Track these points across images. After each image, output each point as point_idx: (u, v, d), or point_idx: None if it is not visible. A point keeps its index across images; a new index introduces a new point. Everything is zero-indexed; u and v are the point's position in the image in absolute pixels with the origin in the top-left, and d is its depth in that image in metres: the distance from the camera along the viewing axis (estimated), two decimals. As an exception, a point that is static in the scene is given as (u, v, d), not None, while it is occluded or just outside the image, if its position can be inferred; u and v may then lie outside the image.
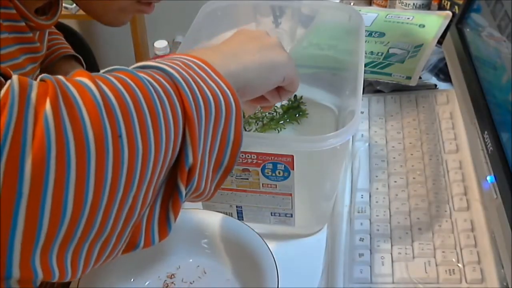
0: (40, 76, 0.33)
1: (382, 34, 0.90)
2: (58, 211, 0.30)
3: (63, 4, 2.06)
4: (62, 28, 1.02)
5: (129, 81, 0.34)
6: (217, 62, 0.42)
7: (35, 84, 0.31)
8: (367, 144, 0.76)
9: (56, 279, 0.32)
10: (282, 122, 0.79)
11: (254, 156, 0.57)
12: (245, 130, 0.78)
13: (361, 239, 0.63)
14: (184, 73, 0.38)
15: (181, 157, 0.37)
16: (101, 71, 0.37)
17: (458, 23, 0.76)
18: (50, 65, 0.81)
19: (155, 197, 0.38)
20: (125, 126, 0.32)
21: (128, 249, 0.38)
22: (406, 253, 0.60)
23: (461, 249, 0.60)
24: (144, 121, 0.34)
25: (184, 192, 0.38)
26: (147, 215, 0.38)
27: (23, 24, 0.60)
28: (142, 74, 0.36)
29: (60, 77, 0.33)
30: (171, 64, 0.39)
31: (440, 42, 0.85)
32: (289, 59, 0.51)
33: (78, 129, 0.30)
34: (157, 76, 0.37)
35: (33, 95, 0.30)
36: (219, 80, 0.40)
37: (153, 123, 0.34)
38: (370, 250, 0.62)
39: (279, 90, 0.54)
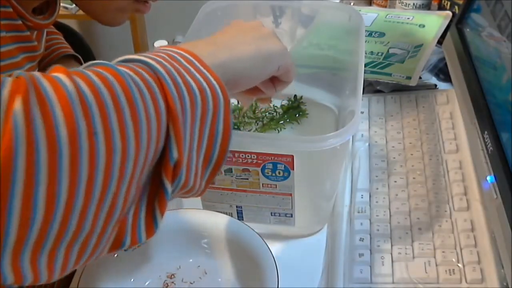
0: (14, 73, 0.32)
1: (382, 34, 0.90)
2: (27, 213, 0.29)
3: (63, 4, 2.05)
4: (62, 28, 1.02)
5: (108, 75, 0.33)
6: (208, 54, 0.42)
7: (7, 81, 0.30)
8: (367, 144, 0.76)
9: (29, 282, 0.31)
10: (282, 122, 0.79)
11: (254, 156, 0.57)
12: (245, 130, 0.78)
13: (361, 239, 0.63)
14: (168, 65, 0.37)
15: (165, 153, 0.37)
16: (81, 66, 0.36)
17: (458, 23, 0.76)
18: (49, 65, 0.81)
19: (140, 193, 0.37)
20: (101, 122, 0.31)
21: (114, 248, 0.37)
22: (406, 253, 0.61)
23: (461, 249, 0.60)
24: (122, 116, 0.33)
25: (170, 189, 0.37)
26: (132, 212, 0.37)
27: (20, 22, 0.60)
28: (123, 68, 0.35)
29: (36, 73, 0.32)
30: (155, 57, 0.38)
31: (440, 42, 0.85)
32: (283, 49, 0.50)
33: (49, 127, 0.29)
34: (139, 70, 0.36)
35: (5, 92, 0.29)
36: (206, 72, 0.39)
37: (133, 118, 0.33)
38: (370, 250, 0.62)
39: (274, 81, 0.54)
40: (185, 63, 0.39)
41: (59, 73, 0.32)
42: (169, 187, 0.37)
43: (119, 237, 0.37)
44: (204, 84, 0.39)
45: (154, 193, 0.38)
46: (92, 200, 0.32)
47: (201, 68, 0.39)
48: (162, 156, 0.37)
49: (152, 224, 0.38)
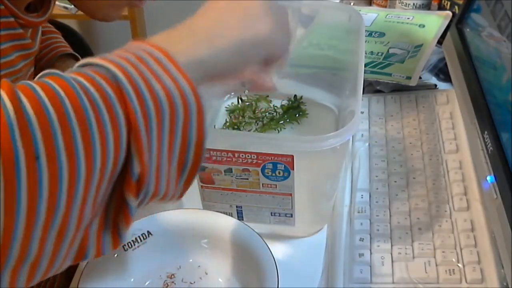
0: None
1: (382, 34, 0.90)
2: None
3: (63, 4, 2.04)
4: (62, 28, 1.02)
5: (58, 89, 0.31)
6: (183, 49, 0.39)
7: None
8: (367, 144, 0.76)
9: None
10: (282, 122, 0.79)
11: (254, 156, 0.57)
12: (245, 130, 0.78)
13: (361, 239, 0.63)
14: (131, 70, 0.34)
15: (127, 167, 0.34)
16: (37, 76, 0.34)
17: (458, 23, 0.76)
18: (48, 64, 0.81)
19: (104, 206, 0.35)
20: (44, 146, 0.29)
21: (77, 259, 0.36)
22: (406, 253, 0.60)
23: (461, 249, 0.60)
24: (71, 137, 0.30)
25: (134, 203, 0.36)
26: (96, 225, 0.35)
27: (12, 20, 0.59)
28: (78, 77, 0.33)
29: None
30: (118, 60, 0.35)
31: (440, 42, 0.85)
32: (273, 32, 0.44)
33: None
34: (97, 78, 0.33)
35: None
36: (177, 74, 0.36)
37: (84, 137, 0.31)
38: (370, 250, 0.62)
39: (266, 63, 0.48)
40: (153, 64, 0.36)
41: (2, 90, 0.30)
42: (132, 201, 0.35)
43: (82, 250, 0.35)
44: (173, 89, 0.36)
45: (118, 206, 0.36)
46: (36, 227, 0.30)
47: (172, 69, 0.36)
48: (124, 170, 0.35)
49: (117, 236, 0.37)
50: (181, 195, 0.41)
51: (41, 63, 0.80)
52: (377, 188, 0.69)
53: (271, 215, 0.64)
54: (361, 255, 0.61)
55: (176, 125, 0.36)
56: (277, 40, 0.45)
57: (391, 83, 0.83)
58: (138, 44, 0.38)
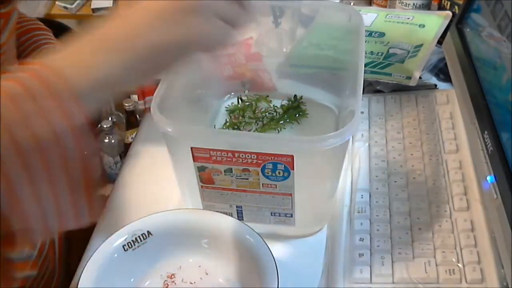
0: None
1: (382, 34, 0.90)
2: None
3: (63, 4, 2.03)
4: (62, 28, 1.02)
5: None
6: (87, 66, 0.37)
7: None
8: (367, 144, 0.76)
9: None
10: (282, 122, 0.79)
11: (254, 156, 0.57)
12: (245, 130, 0.78)
13: (361, 239, 0.63)
14: (12, 111, 0.32)
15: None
16: None
17: (458, 23, 0.76)
18: (28, 56, 0.79)
19: None
20: None
21: None
22: (406, 253, 0.61)
23: (461, 249, 0.60)
24: None
25: (13, 255, 0.35)
26: None
27: None
28: None
29: None
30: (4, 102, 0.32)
31: (440, 42, 0.85)
32: (200, 32, 0.40)
33: None
34: None
35: None
36: (69, 105, 0.34)
37: None
38: (370, 250, 0.62)
39: None
40: (43, 95, 0.33)
41: None
42: (12, 255, 0.35)
43: None
44: (62, 125, 0.33)
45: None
46: None
47: (64, 99, 0.34)
48: None
49: (10, 280, 0.36)
50: (94, 214, 0.39)
51: (22, 56, 0.79)
52: (377, 188, 0.69)
53: (271, 215, 0.64)
54: (361, 255, 0.61)
55: (52, 166, 0.34)
56: (206, 37, 0.42)
57: (391, 83, 0.83)
58: (30, 65, 0.35)
